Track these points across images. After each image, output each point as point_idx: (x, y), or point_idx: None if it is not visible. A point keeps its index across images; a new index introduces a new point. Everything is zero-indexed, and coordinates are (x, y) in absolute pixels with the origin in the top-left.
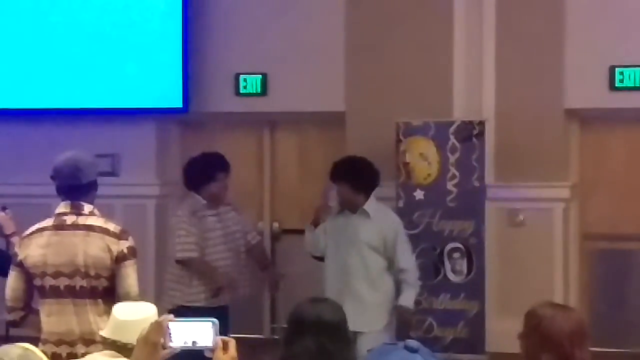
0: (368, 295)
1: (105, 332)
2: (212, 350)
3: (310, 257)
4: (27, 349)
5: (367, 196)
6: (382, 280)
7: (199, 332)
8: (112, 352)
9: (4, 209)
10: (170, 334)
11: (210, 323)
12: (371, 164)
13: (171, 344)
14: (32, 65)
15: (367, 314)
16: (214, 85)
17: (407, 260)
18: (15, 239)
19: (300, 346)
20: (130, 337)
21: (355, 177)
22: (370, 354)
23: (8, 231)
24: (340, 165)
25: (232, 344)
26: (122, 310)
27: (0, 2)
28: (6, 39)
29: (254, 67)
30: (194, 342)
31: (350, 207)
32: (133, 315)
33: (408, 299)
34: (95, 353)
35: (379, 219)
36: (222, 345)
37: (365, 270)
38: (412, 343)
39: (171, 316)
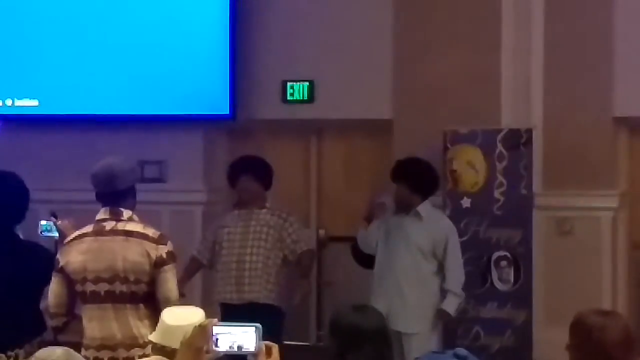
0: (416, 297)
1: (153, 337)
2: (255, 354)
3: (356, 264)
4: (69, 350)
5: (424, 199)
6: (430, 284)
7: (242, 336)
8: (161, 357)
9: (53, 215)
10: (214, 338)
11: (254, 327)
12: (433, 168)
13: (215, 348)
14: (80, 72)
15: (414, 316)
16: (260, 93)
17: (455, 268)
18: None
19: (361, 355)
20: (178, 343)
21: (415, 177)
22: None
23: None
24: (402, 164)
25: (275, 349)
26: (171, 315)
27: (52, 10)
28: (54, 45)
29: (300, 74)
30: (238, 347)
31: (405, 208)
32: (182, 320)
33: (450, 305)
34: (144, 359)
35: (431, 222)
36: (265, 350)
37: (415, 272)
38: (461, 351)
39: (215, 320)
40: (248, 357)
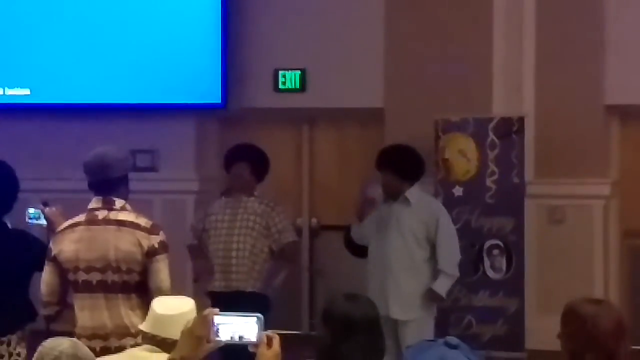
0: (410, 283)
1: (144, 327)
2: (256, 345)
3: (348, 253)
4: (76, 342)
5: (412, 184)
6: (424, 270)
7: (244, 326)
8: (152, 346)
9: (45, 204)
10: (215, 328)
11: (255, 318)
12: (417, 153)
13: (216, 338)
14: (72, 61)
15: (409, 303)
16: (252, 81)
17: (446, 247)
18: None
19: (354, 345)
20: (169, 332)
21: (400, 164)
22: (409, 350)
23: (59, 227)
24: (386, 152)
25: (276, 340)
26: (161, 305)
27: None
28: (46, 34)
29: (292, 63)
30: (239, 337)
31: (395, 195)
32: (172, 309)
33: (441, 286)
34: (135, 348)
35: (420, 206)
36: (266, 340)
37: (409, 258)
38: (452, 340)
39: (216, 310)
40: (249, 347)
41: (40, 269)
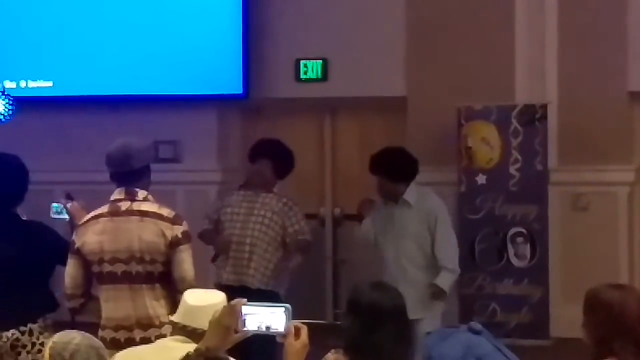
0: (421, 281)
1: (175, 317)
2: (284, 335)
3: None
4: (90, 337)
5: (407, 185)
6: (434, 268)
7: (272, 317)
8: (182, 337)
9: (68, 196)
10: (243, 318)
11: (283, 308)
12: (407, 153)
13: (244, 328)
14: (94, 53)
15: (420, 301)
16: (274, 71)
17: (446, 247)
18: None
19: (385, 334)
20: (200, 323)
21: (391, 168)
22: (430, 336)
23: (80, 221)
24: (376, 158)
25: (304, 330)
26: (193, 296)
27: None
28: (68, 26)
29: (314, 52)
30: (267, 327)
31: (392, 197)
32: (203, 301)
33: (444, 282)
34: (166, 338)
35: (420, 207)
36: (294, 331)
37: (418, 257)
38: (476, 325)
39: (244, 300)
40: (277, 338)
41: (59, 261)
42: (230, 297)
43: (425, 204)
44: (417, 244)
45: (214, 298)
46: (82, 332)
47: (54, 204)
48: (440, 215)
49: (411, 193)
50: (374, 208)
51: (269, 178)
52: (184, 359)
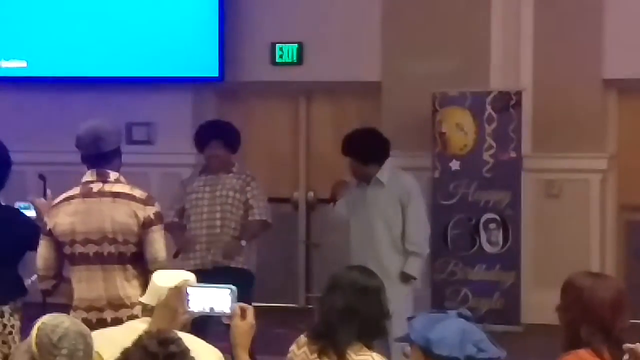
0: (395, 263)
1: (144, 299)
2: (230, 317)
3: (345, 226)
4: (70, 317)
5: (379, 166)
6: (404, 249)
7: (217, 298)
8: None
9: (41, 177)
10: (188, 299)
11: (229, 290)
12: (378, 134)
13: (189, 309)
14: (69, 34)
15: (394, 284)
16: (249, 55)
17: (416, 226)
18: None
19: (329, 301)
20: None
21: (362, 149)
22: (418, 320)
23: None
24: (347, 139)
25: (250, 311)
26: (160, 277)
27: None
28: (43, 6)
29: (289, 36)
30: (211, 308)
31: (364, 178)
32: (171, 282)
33: (413, 267)
34: (135, 320)
35: (393, 186)
36: (240, 312)
37: (391, 239)
38: (465, 311)
39: (190, 281)
40: (222, 319)
41: (30, 247)
42: (206, 281)
43: (399, 181)
44: (387, 225)
45: (183, 279)
46: (72, 317)
47: (20, 203)
48: (414, 192)
49: (384, 173)
50: (347, 189)
51: (225, 157)
52: (136, 342)
